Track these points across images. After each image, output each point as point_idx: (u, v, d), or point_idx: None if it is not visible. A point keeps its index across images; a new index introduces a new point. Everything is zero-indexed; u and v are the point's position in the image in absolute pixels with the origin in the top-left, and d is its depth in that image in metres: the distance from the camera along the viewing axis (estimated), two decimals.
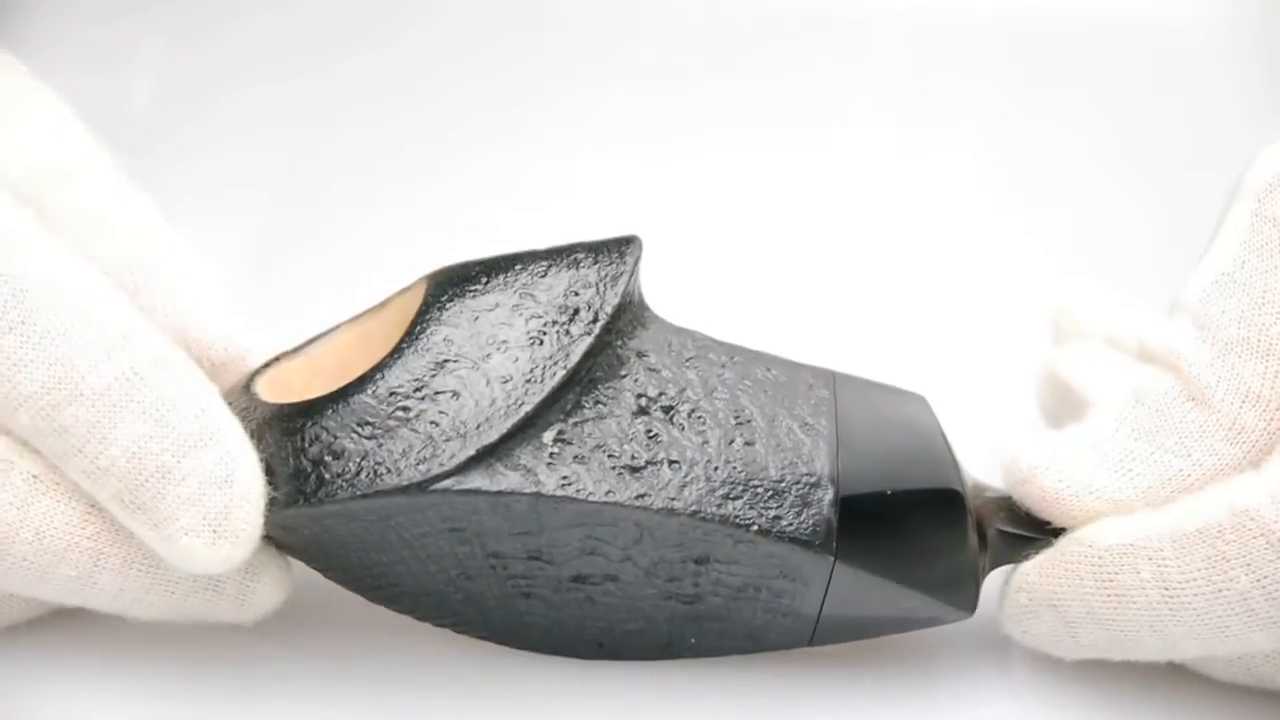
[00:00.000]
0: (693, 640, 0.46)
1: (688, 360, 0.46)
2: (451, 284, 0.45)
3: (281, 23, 0.66)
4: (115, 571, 0.45)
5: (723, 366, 0.46)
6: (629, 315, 0.46)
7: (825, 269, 0.61)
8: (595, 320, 0.45)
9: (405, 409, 0.44)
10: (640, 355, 0.46)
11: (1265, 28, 0.62)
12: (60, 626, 0.47)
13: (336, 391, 0.44)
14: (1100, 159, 0.62)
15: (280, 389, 0.46)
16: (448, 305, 0.45)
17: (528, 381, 0.44)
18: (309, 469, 0.44)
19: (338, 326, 0.46)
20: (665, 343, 0.46)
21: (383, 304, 0.46)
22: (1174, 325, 0.46)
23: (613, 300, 0.45)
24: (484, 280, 0.45)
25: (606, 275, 0.46)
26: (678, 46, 0.66)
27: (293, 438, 0.44)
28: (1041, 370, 0.52)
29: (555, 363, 0.45)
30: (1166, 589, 0.44)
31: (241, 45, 0.67)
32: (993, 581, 0.45)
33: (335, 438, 0.44)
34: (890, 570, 0.45)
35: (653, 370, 0.46)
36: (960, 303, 0.61)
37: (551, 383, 0.44)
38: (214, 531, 0.44)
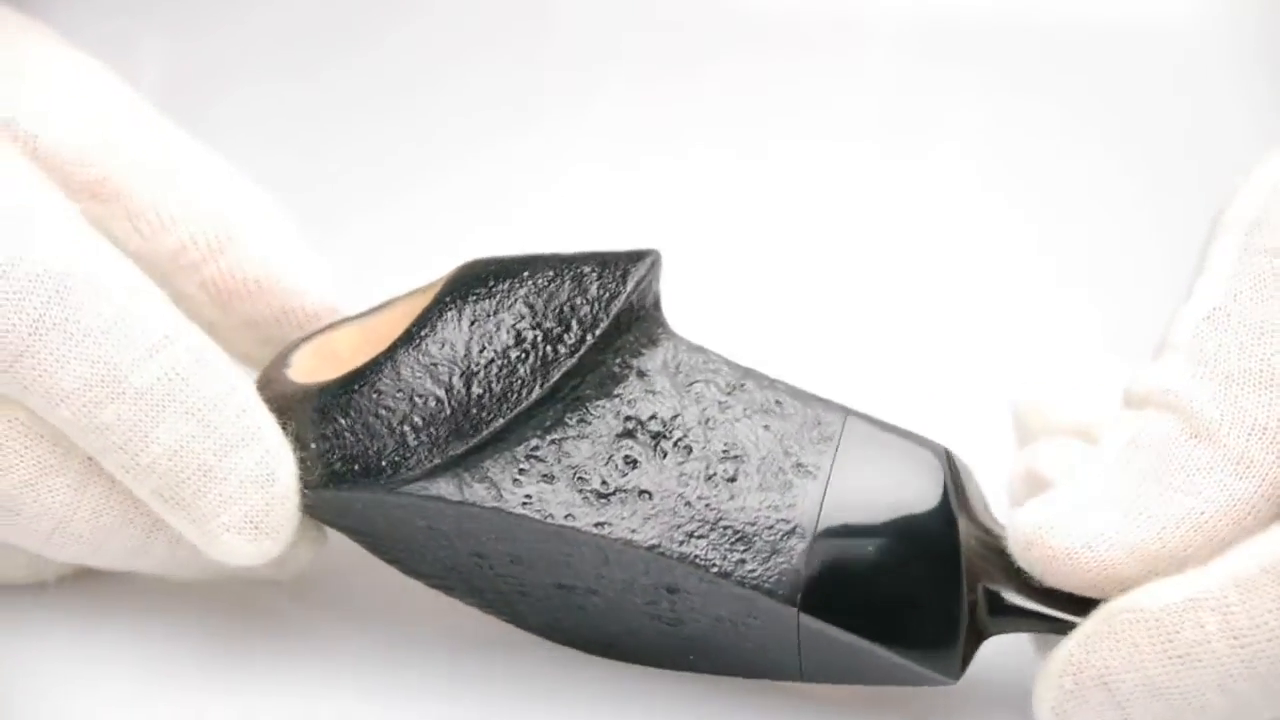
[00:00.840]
0: (691, 658, 0.45)
1: (691, 384, 0.45)
2: (462, 284, 0.45)
3: (285, 21, 0.66)
4: (168, 543, 0.46)
5: (729, 393, 0.45)
6: (636, 331, 0.45)
7: (823, 272, 0.61)
8: (583, 340, 0.44)
9: (388, 408, 0.44)
10: (641, 375, 0.45)
11: (1265, 28, 0.62)
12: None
13: (338, 380, 0.45)
14: (1100, 160, 0.62)
15: (326, 356, 0.47)
16: (449, 307, 0.45)
17: (504, 395, 0.44)
18: (304, 453, 0.45)
19: (395, 299, 0.47)
20: (673, 363, 0.46)
21: (433, 283, 0.47)
22: (1166, 365, 0.44)
23: (604, 320, 0.45)
24: (490, 284, 0.45)
25: (605, 293, 0.45)
26: (679, 45, 0.66)
27: (294, 420, 0.45)
28: (1012, 472, 0.50)
29: (534, 379, 0.44)
30: (1236, 638, 0.41)
31: (244, 44, 0.67)
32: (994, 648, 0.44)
33: (324, 426, 0.45)
34: (862, 628, 0.43)
35: (650, 392, 0.45)
36: (961, 307, 0.61)
37: (527, 400, 0.44)
38: (255, 528, 0.45)
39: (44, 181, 0.46)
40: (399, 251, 0.60)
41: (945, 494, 0.43)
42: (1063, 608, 0.43)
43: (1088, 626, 0.42)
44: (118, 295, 0.44)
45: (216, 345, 0.45)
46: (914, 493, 0.43)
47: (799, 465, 0.44)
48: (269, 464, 0.45)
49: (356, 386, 0.45)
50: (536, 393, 0.44)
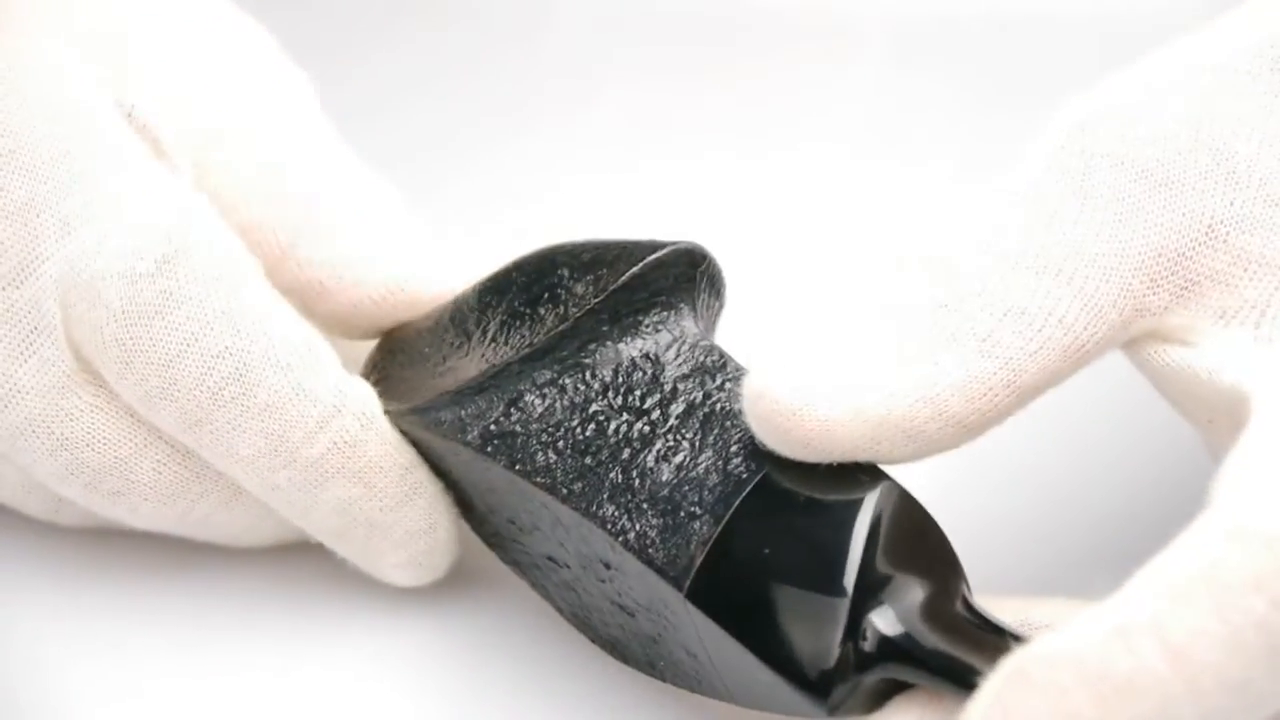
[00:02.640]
0: (661, 664, 0.45)
1: (682, 376, 0.46)
2: (529, 263, 0.48)
3: (286, 22, 0.66)
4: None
5: (711, 393, 0.45)
6: (649, 318, 0.46)
7: (821, 272, 0.61)
8: (583, 305, 0.46)
9: (423, 353, 0.48)
10: (644, 357, 0.45)
11: None
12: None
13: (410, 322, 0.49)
14: None
15: None
16: (508, 283, 0.48)
17: (511, 341, 0.47)
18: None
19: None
20: (674, 352, 0.46)
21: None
22: (944, 232, 0.43)
23: (594, 297, 0.46)
24: (553, 261, 0.48)
25: (618, 268, 0.47)
26: (678, 47, 0.66)
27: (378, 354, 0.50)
28: None
29: (534, 333, 0.47)
30: (1175, 655, 0.37)
31: None
32: None
33: (389, 361, 0.49)
34: (739, 629, 0.42)
35: (641, 373, 0.45)
36: None
37: (524, 350, 0.46)
38: (418, 567, 0.49)
39: (210, 210, 0.48)
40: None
41: (874, 524, 0.42)
42: (960, 655, 0.41)
43: (997, 684, 0.37)
44: (292, 369, 0.46)
45: (379, 405, 0.48)
46: (834, 514, 0.42)
47: (733, 462, 0.44)
48: (431, 516, 0.48)
49: (414, 328, 0.49)
50: (525, 350, 0.46)
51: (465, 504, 0.49)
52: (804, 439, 0.41)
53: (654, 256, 0.47)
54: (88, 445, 0.47)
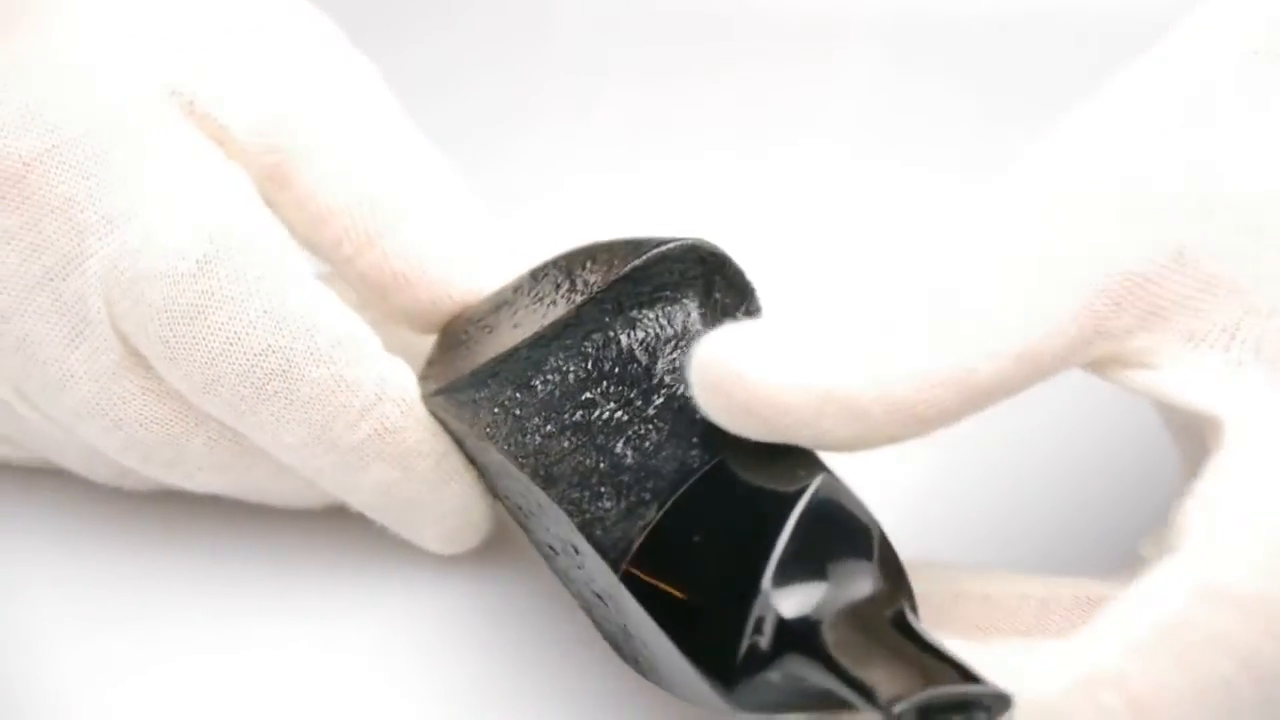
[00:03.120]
0: (639, 659, 0.45)
1: (671, 370, 0.46)
2: (565, 257, 0.49)
3: None
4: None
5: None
6: (652, 311, 0.46)
7: (821, 272, 0.61)
8: (587, 292, 0.47)
9: (466, 333, 0.49)
10: (643, 349, 0.46)
11: None
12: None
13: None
14: None
15: None
16: (543, 274, 0.49)
17: (528, 324, 0.47)
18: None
19: None
20: (671, 346, 0.46)
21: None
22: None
23: (598, 288, 0.47)
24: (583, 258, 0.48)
25: (624, 259, 0.47)
26: (678, 48, 0.66)
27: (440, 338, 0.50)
28: None
29: (536, 324, 0.47)
30: (1139, 708, 0.37)
31: None
32: None
33: (440, 345, 0.50)
34: (662, 617, 0.42)
35: (636, 365, 0.46)
36: None
37: (524, 338, 0.47)
38: (454, 541, 0.50)
39: (257, 207, 0.48)
40: None
41: (788, 520, 0.42)
42: (864, 665, 0.40)
43: None
44: (334, 362, 0.47)
45: (419, 391, 0.48)
46: (761, 508, 0.42)
47: (701, 449, 0.44)
48: (466, 497, 0.49)
49: (462, 314, 0.50)
50: (530, 334, 0.47)
51: (490, 485, 0.49)
52: (746, 405, 0.41)
53: (658, 250, 0.47)
54: (140, 425, 0.48)
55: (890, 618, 0.40)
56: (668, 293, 0.47)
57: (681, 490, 0.43)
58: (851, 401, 0.41)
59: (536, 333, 0.47)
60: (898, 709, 0.38)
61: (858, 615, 0.41)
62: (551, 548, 0.46)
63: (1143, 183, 0.43)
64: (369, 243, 0.49)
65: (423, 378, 0.49)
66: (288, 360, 0.47)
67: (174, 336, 0.47)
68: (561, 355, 0.46)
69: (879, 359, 0.41)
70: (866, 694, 0.39)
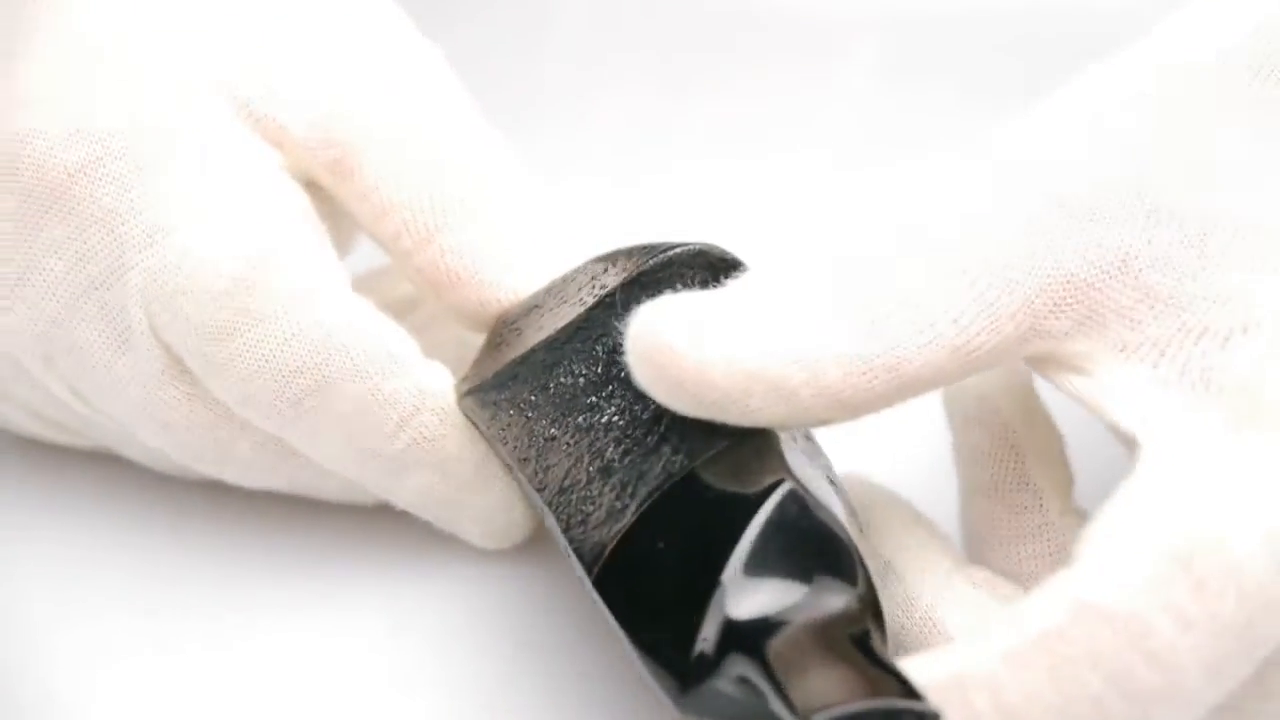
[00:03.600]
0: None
1: None
2: (593, 261, 0.49)
3: None
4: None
5: None
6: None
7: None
8: (597, 295, 0.47)
9: (501, 335, 0.49)
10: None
11: None
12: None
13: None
14: None
15: None
16: (571, 277, 0.49)
17: (540, 334, 0.47)
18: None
19: None
20: None
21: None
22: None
23: (606, 290, 0.47)
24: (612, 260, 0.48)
25: (628, 269, 0.47)
26: (680, 48, 0.66)
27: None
28: None
29: (554, 327, 0.47)
30: (1007, 716, 0.38)
31: None
32: None
33: (485, 342, 0.50)
34: (625, 623, 0.42)
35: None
36: None
37: (540, 340, 0.47)
38: (497, 538, 0.50)
39: (299, 221, 0.48)
40: None
41: (765, 536, 0.41)
42: (805, 678, 0.40)
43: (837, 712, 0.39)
44: (371, 377, 0.47)
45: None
46: (725, 517, 0.42)
47: (682, 455, 0.43)
48: (508, 497, 0.49)
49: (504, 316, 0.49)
50: (545, 337, 0.47)
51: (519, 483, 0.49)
52: (677, 379, 0.41)
53: (666, 254, 0.47)
54: (187, 429, 0.48)
55: (851, 634, 0.40)
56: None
57: (654, 497, 0.43)
58: (779, 383, 0.40)
59: (551, 335, 0.47)
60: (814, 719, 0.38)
61: (812, 627, 0.40)
62: (565, 549, 0.47)
63: (1096, 187, 0.42)
64: (427, 239, 0.49)
65: (462, 379, 0.49)
66: (323, 377, 0.47)
67: (211, 352, 0.47)
68: (573, 357, 0.46)
69: (810, 342, 0.41)
70: (788, 703, 0.39)
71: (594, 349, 0.46)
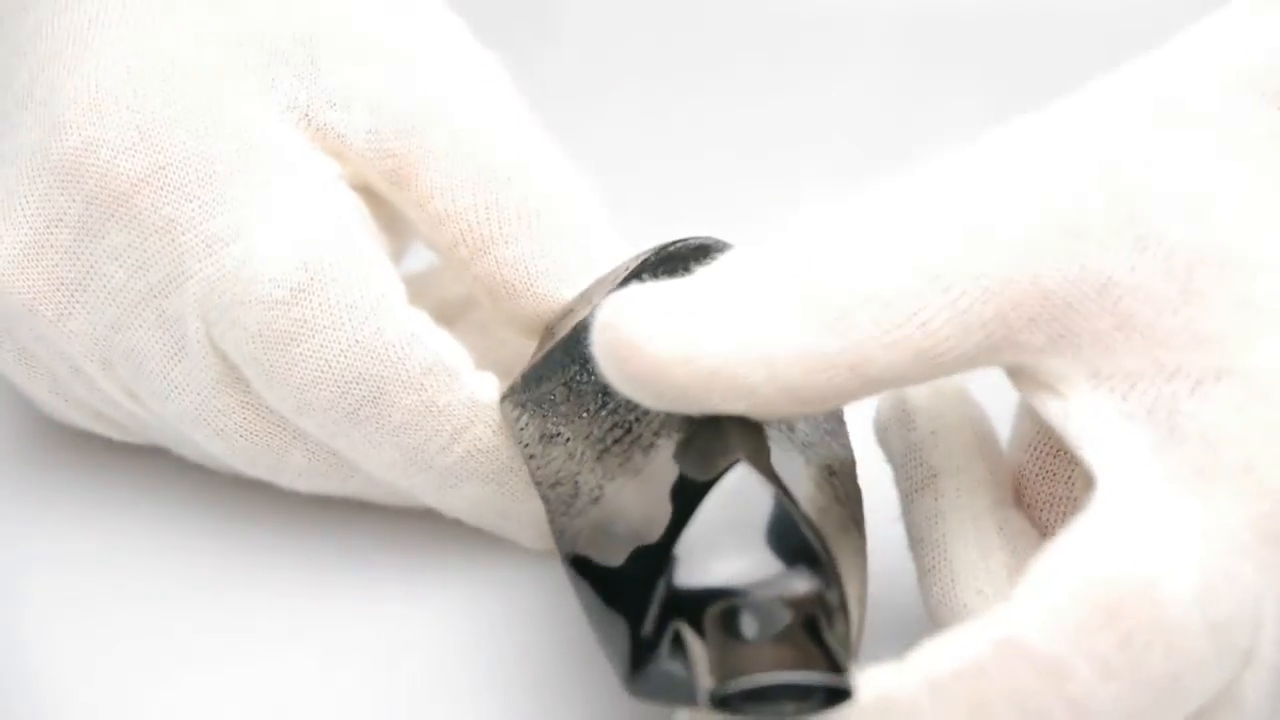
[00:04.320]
0: None
1: None
2: (626, 262, 0.49)
3: None
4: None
5: None
6: None
7: None
8: (599, 299, 0.46)
9: (543, 341, 0.49)
10: None
11: None
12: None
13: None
14: None
15: None
16: (604, 276, 0.49)
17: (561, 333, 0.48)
18: None
19: None
20: None
21: None
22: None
23: (614, 287, 0.47)
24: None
25: (629, 267, 0.47)
26: (682, 46, 0.66)
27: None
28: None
29: (571, 325, 0.47)
30: None
31: None
32: None
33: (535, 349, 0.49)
34: (589, 611, 0.42)
35: None
36: None
37: (559, 340, 0.47)
38: (544, 539, 0.50)
39: (357, 231, 0.48)
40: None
41: (697, 511, 0.41)
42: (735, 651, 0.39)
43: None
44: (425, 389, 0.48)
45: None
46: (680, 500, 0.42)
47: (665, 440, 0.44)
48: None
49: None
50: (554, 342, 0.47)
51: None
52: (638, 375, 0.40)
53: (667, 250, 0.47)
54: (241, 436, 0.49)
55: (795, 613, 0.40)
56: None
57: (616, 481, 0.43)
58: (739, 380, 0.40)
59: (566, 335, 0.47)
60: (722, 689, 0.38)
61: (750, 602, 0.40)
62: None
63: (1085, 208, 0.42)
64: (482, 250, 0.49)
65: (508, 385, 0.49)
66: (379, 388, 0.47)
67: (268, 360, 0.47)
68: (585, 356, 0.46)
69: (772, 337, 0.40)
70: (700, 673, 0.39)
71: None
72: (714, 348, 0.40)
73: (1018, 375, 0.42)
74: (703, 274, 0.41)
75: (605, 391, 0.46)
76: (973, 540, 0.44)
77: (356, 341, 0.47)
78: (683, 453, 0.43)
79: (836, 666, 0.38)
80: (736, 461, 0.41)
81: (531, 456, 0.47)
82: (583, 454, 0.45)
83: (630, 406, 0.45)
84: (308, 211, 0.48)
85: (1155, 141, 0.42)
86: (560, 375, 0.47)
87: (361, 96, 0.50)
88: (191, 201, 0.48)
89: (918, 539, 0.45)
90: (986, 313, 0.41)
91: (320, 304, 0.47)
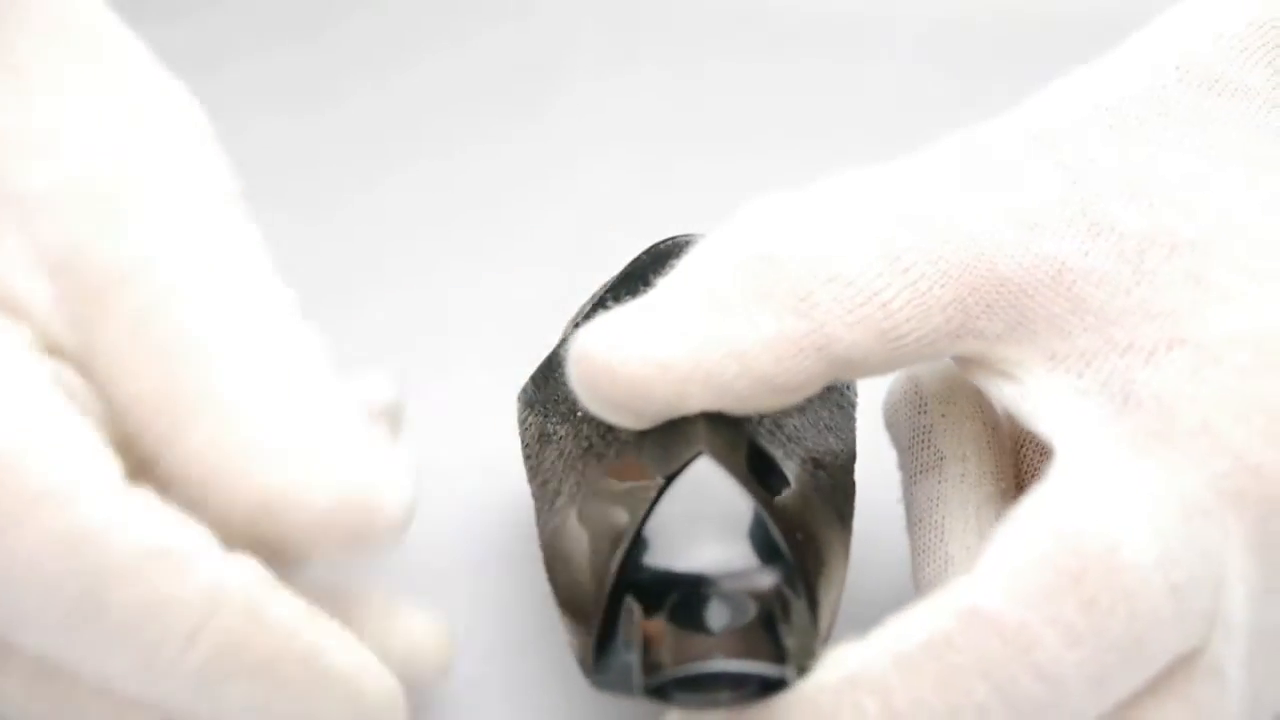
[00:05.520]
0: None
1: None
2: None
3: (281, 18, 0.67)
4: None
5: None
6: None
7: None
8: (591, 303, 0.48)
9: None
10: None
11: None
12: None
13: None
14: None
15: None
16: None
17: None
18: None
19: None
20: None
21: None
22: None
23: (604, 288, 0.48)
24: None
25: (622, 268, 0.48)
26: (685, 44, 0.66)
27: None
28: None
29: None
30: None
31: (247, 40, 0.69)
32: None
33: None
34: (560, 603, 0.43)
35: None
36: None
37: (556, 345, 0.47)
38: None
39: (42, 397, 0.41)
40: (401, 251, 0.62)
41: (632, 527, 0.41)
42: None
43: (746, 711, 0.39)
44: (150, 572, 0.40)
45: (269, 573, 0.40)
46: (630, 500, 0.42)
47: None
48: (362, 681, 0.42)
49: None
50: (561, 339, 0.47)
51: None
52: (616, 399, 0.41)
53: (658, 247, 0.48)
54: None
55: (751, 605, 0.40)
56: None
57: (590, 478, 0.44)
58: (713, 379, 0.41)
59: (564, 337, 0.48)
60: (655, 679, 0.39)
61: (705, 593, 0.41)
62: None
63: (1042, 200, 0.43)
64: (166, 441, 0.42)
65: (523, 386, 0.49)
66: (92, 582, 0.40)
67: None
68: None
69: (739, 334, 0.41)
70: (647, 663, 0.40)
71: None
72: (683, 354, 0.41)
73: (973, 365, 0.43)
74: (663, 283, 0.42)
75: None
76: (972, 527, 0.44)
77: (55, 532, 0.39)
78: (646, 448, 0.43)
79: (781, 659, 0.39)
80: (698, 454, 0.42)
81: (529, 457, 0.47)
82: (570, 453, 0.45)
83: None
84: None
85: (1111, 132, 0.44)
86: (559, 373, 0.47)
87: (54, 249, 0.43)
88: None
89: (916, 519, 0.45)
90: (945, 296, 0.42)
91: (8, 493, 0.40)
